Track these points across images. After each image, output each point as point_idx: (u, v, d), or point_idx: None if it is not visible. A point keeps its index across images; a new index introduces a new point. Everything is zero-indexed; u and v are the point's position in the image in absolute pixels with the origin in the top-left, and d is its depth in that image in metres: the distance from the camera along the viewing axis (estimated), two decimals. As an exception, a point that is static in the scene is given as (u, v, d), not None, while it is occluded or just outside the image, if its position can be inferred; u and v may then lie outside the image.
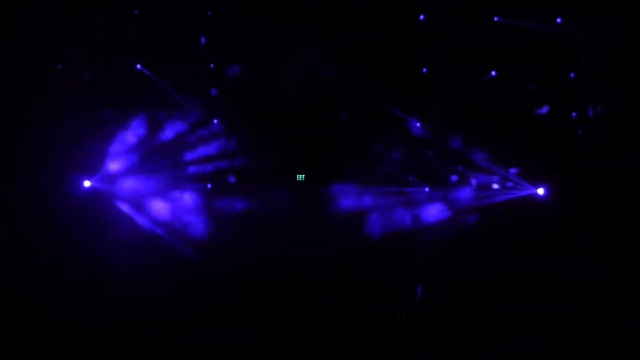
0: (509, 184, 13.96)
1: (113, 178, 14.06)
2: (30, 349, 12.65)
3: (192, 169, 14.42)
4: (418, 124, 14.37)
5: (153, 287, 13.51)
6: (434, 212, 14.11)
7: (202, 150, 14.42)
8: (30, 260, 13.38)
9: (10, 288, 13.16)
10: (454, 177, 14.26)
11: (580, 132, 13.97)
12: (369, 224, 14.06)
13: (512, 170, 14.01)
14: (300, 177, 14.27)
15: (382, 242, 13.98)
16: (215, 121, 14.44)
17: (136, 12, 13.98)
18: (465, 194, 14.13)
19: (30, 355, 12.64)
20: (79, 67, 14.08)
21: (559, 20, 13.70)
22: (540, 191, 13.77)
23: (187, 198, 14.20)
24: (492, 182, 14.08)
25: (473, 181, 14.17)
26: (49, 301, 13.20)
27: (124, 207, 13.99)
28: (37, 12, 13.55)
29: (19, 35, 13.50)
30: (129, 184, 14.09)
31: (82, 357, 12.81)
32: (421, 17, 14.07)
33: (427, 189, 14.28)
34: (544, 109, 13.94)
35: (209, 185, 14.36)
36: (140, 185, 14.14)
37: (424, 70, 14.26)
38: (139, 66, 14.10)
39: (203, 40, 14.24)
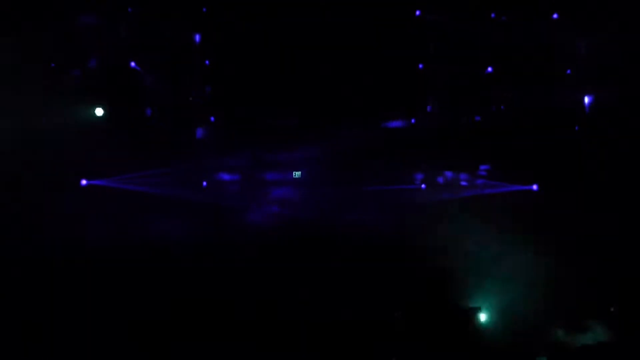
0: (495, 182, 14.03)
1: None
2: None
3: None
4: (413, 120, 14.37)
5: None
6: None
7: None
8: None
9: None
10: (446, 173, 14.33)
11: (577, 128, 13.99)
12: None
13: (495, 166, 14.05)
14: (297, 174, 14.27)
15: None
16: (211, 118, 14.41)
17: (130, 10, 13.89)
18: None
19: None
20: (72, 65, 13.99)
21: (555, 16, 13.63)
22: (534, 187, 13.83)
23: None
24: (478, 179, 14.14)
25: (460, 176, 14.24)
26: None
27: None
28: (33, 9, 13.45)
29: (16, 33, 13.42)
30: None
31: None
32: (417, 12, 14.01)
33: (423, 186, 14.30)
34: (540, 106, 13.90)
35: (204, 183, 14.38)
36: None
37: (420, 66, 14.21)
38: (133, 64, 14.00)
39: (197, 37, 14.17)
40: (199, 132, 14.34)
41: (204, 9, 14.09)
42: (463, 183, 14.29)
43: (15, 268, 13.09)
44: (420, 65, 14.22)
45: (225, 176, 14.58)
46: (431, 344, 13.23)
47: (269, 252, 13.97)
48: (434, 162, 14.37)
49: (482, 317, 13.30)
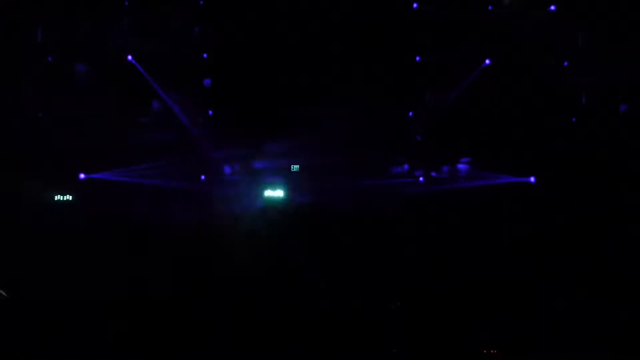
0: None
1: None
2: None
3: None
4: (410, 113, 14.40)
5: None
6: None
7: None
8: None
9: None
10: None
11: (574, 119, 14.01)
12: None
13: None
14: (295, 167, 14.29)
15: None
16: (209, 112, 14.41)
17: (127, 3, 13.86)
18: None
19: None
20: (69, 59, 13.97)
21: (553, 7, 13.62)
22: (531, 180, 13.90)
23: None
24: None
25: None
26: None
27: None
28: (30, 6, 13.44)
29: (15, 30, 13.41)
30: None
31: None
32: (414, 5, 14.00)
33: (421, 179, 14.34)
34: (539, 98, 13.90)
35: (202, 177, 14.39)
36: None
37: (417, 58, 14.21)
38: (129, 57, 13.96)
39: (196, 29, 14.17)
40: (197, 126, 14.33)
41: (201, 2, 14.07)
42: (460, 175, 14.30)
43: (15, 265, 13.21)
44: (418, 58, 14.20)
45: (224, 168, 14.58)
46: (430, 336, 13.36)
47: (266, 241, 14.05)
48: (431, 154, 14.37)
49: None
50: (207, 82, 14.35)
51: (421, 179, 14.31)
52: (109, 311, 13.30)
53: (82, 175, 13.88)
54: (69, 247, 13.50)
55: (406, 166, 14.32)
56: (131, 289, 13.47)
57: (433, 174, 14.30)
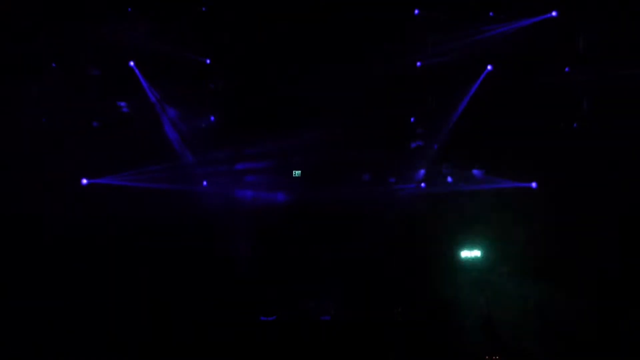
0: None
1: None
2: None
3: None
4: (412, 119, 14.42)
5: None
6: None
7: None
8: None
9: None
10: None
11: (575, 125, 14.02)
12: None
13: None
14: (297, 173, 14.33)
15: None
16: (212, 118, 14.45)
17: (130, 10, 13.92)
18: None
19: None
20: (74, 65, 14.02)
21: (554, 13, 13.63)
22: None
23: None
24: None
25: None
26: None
27: None
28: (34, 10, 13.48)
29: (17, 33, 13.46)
30: None
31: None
32: (416, 11, 14.04)
33: (423, 185, 14.35)
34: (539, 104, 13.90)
35: (204, 182, 14.42)
36: None
37: (418, 64, 14.23)
38: (131, 63, 14.01)
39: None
40: (200, 131, 14.39)
41: (204, 9, 14.11)
42: (462, 180, 14.32)
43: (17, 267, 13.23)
44: (419, 63, 14.22)
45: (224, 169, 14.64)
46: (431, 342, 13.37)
47: (270, 243, 14.08)
48: (434, 160, 14.39)
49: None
50: (212, 85, 14.41)
51: (423, 184, 14.34)
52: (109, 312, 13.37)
53: (84, 181, 13.91)
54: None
55: (422, 171, 14.36)
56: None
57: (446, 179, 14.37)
